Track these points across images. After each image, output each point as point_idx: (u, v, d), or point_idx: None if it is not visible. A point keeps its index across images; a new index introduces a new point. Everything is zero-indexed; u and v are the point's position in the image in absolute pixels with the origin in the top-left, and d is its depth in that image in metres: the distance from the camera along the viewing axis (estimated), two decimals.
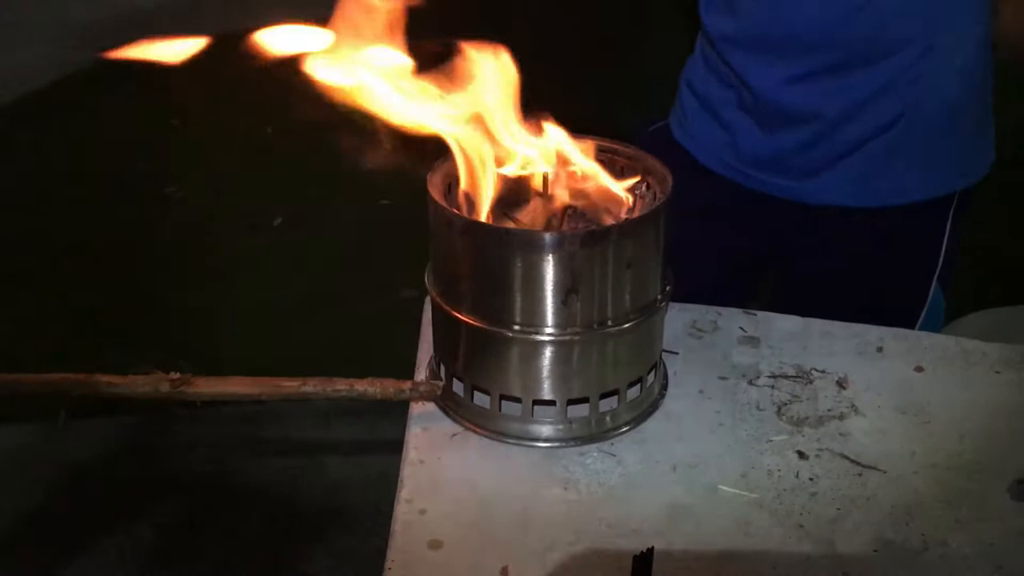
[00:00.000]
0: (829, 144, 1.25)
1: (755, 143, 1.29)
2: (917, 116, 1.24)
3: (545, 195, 0.93)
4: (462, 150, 0.88)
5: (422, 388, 0.94)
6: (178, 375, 0.84)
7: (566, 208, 0.93)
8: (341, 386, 0.89)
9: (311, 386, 0.89)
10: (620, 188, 0.92)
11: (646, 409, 0.95)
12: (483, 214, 0.90)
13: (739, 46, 1.26)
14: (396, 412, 0.98)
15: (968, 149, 1.31)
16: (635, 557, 0.70)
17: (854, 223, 1.28)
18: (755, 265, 1.43)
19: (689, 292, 1.04)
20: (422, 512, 0.83)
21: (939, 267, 1.30)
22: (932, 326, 1.30)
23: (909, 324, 1.27)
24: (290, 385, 0.89)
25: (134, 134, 3.64)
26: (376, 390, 0.90)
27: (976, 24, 1.22)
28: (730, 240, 1.35)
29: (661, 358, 0.98)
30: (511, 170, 0.91)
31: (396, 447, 0.92)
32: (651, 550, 0.71)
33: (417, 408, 0.95)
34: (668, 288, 0.94)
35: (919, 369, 1.02)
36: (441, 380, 0.94)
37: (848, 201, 1.28)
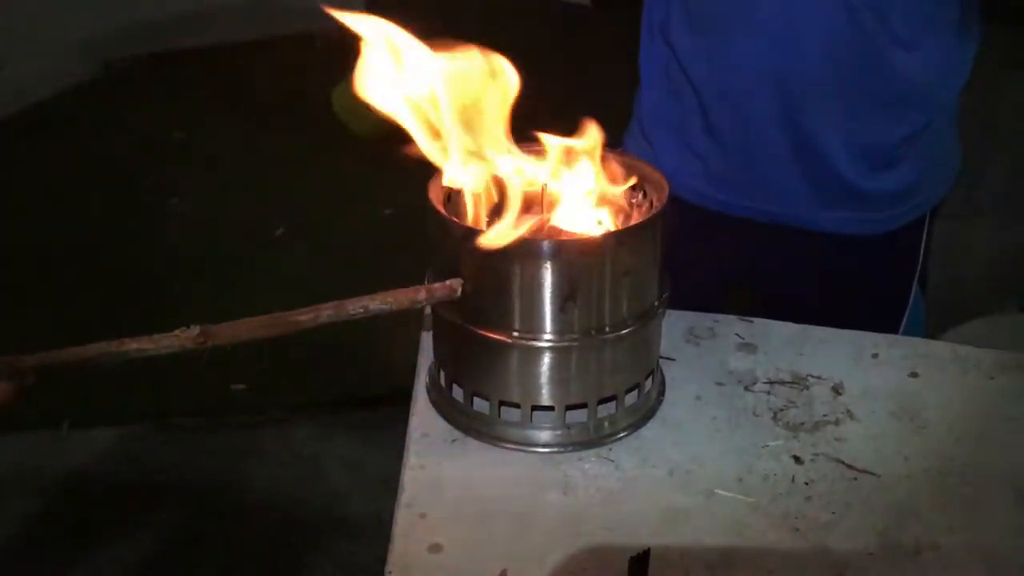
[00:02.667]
0: (818, 173, 1.25)
1: (734, 169, 1.29)
2: (913, 157, 1.26)
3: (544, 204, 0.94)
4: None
5: (438, 292, 0.87)
6: (198, 329, 0.82)
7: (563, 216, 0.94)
8: (354, 308, 0.84)
9: (325, 314, 0.84)
10: (619, 193, 0.93)
11: (644, 415, 0.96)
12: (482, 222, 0.92)
13: (715, 75, 1.26)
14: (396, 421, 0.99)
15: (946, 170, 1.33)
16: (631, 559, 0.71)
17: (835, 239, 1.29)
18: (727, 282, 1.43)
19: None
20: (422, 516, 0.84)
21: (919, 269, 1.31)
22: (915, 327, 1.31)
23: (893, 327, 1.29)
24: (305, 317, 0.84)
25: (136, 146, 3.66)
26: (390, 304, 0.85)
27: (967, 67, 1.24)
28: (699, 262, 1.33)
29: (659, 364, 0.99)
30: (512, 178, 0.92)
31: (397, 456, 0.93)
32: (647, 552, 0.72)
33: (417, 414, 0.96)
34: (665, 295, 0.95)
35: (914, 375, 1.03)
36: (460, 280, 0.88)
37: (828, 228, 1.29)
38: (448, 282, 0.88)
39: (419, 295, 0.87)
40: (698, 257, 1.32)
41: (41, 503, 2.13)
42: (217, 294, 2.85)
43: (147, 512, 2.12)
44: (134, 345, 0.80)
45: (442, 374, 0.96)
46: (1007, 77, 1.97)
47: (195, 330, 0.80)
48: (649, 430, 0.95)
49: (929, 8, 1.18)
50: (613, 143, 1.40)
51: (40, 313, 2.74)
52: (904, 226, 1.30)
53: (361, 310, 0.84)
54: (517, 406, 0.91)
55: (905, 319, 1.33)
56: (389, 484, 0.90)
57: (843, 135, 1.23)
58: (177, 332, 0.80)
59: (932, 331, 1.39)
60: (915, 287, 1.33)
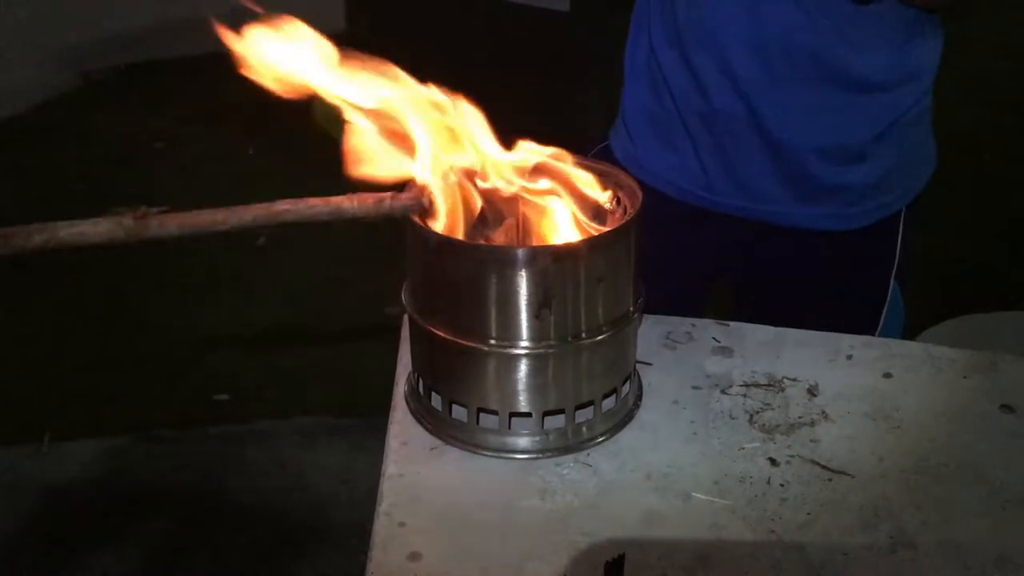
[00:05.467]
0: (788, 170, 1.27)
1: (710, 166, 1.31)
2: (882, 152, 1.28)
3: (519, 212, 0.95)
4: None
5: (405, 198, 0.83)
6: (143, 210, 0.75)
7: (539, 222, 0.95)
8: (317, 203, 0.80)
9: (283, 206, 0.79)
10: (598, 197, 0.94)
11: (621, 419, 0.96)
12: (459, 232, 0.92)
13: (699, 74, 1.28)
14: (380, 430, 0.99)
15: (919, 167, 1.35)
16: (607, 563, 0.72)
17: (811, 235, 1.31)
18: (707, 278, 1.45)
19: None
20: (401, 525, 0.84)
21: (896, 265, 1.33)
22: (894, 323, 1.33)
23: (872, 323, 1.31)
24: (259, 209, 0.79)
25: (116, 156, 3.64)
26: (354, 205, 0.81)
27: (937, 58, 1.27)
28: (679, 256, 1.36)
29: (635, 369, 1.00)
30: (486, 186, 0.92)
31: (380, 465, 0.93)
32: (622, 556, 0.73)
33: (396, 423, 0.96)
34: (641, 300, 0.96)
35: (888, 376, 1.04)
36: (428, 190, 0.85)
37: (806, 224, 1.30)
38: (417, 188, 0.85)
39: (384, 198, 0.83)
40: (679, 252, 1.34)
41: (22, 517, 2.12)
42: (201, 304, 2.84)
43: (130, 524, 2.11)
44: (64, 229, 0.75)
45: (420, 383, 0.96)
46: None
47: (139, 211, 0.74)
48: (627, 435, 0.95)
49: (888, 12, 1.20)
50: (595, 143, 1.42)
51: (22, 323, 2.73)
52: (879, 221, 1.32)
53: (322, 204, 0.80)
54: (495, 413, 0.92)
55: (884, 314, 1.34)
56: (373, 493, 0.91)
57: (811, 133, 1.25)
58: (112, 216, 0.74)
59: (907, 331, 1.40)
60: (893, 283, 1.35)
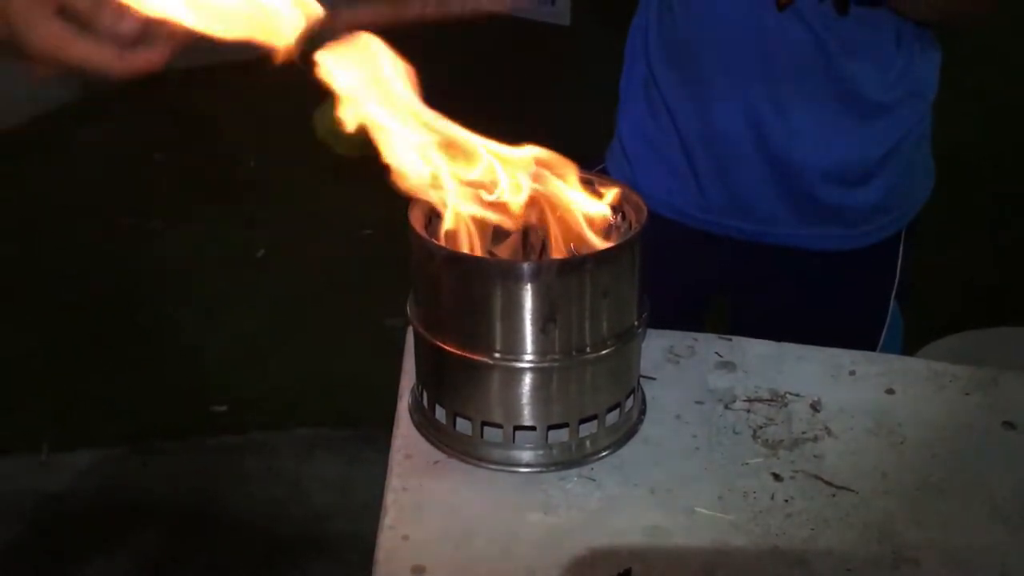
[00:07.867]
0: (793, 192, 1.28)
1: (710, 188, 1.31)
2: (886, 172, 1.28)
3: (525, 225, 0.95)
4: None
5: None
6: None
7: (544, 237, 0.95)
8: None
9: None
10: (602, 210, 0.94)
11: (625, 434, 0.96)
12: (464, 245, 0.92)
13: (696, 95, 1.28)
14: (378, 441, 0.99)
15: (919, 187, 1.35)
16: None
17: (811, 256, 1.32)
18: (705, 297, 1.45)
19: None
20: (405, 538, 0.84)
21: (896, 286, 1.34)
22: (893, 343, 1.33)
23: (871, 343, 1.31)
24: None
25: (116, 168, 3.64)
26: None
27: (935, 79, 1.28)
28: (677, 277, 1.35)
29: (639, 383, 1.00)
30: (492, 199, 0.92)
31: (379, 476, 0.93)
32: (628, 571, 0.73)
33: (400, 436, 0.96)
34: (645, 315, 0.96)
35: (890, 391, 1.04)
36: None
37: (805, 244, 1.31)
38: None
39: None
40: (676, 273, 1.34)
41: (20, 527, 2.11)
42: (200, 315, 2.84)
43: (127, 534, 2.11)
44: None
45: (424, 395, 0.96)
46: None
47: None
48: (630, 449, 0.95)
49: (887, 26, 1.21)
50: (593, 162, 1.43)
51: (20, 333, 2.72)
52: (879, 241, 1.32)
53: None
54: (499, 427, 0.92)
55: (884, 334, 1.35)
56: (371, 505, 0.91)
57: (819, 154, 1.26)
58: None
59: (907, 347, 1.41)
60: (893, 302, 1.35)
